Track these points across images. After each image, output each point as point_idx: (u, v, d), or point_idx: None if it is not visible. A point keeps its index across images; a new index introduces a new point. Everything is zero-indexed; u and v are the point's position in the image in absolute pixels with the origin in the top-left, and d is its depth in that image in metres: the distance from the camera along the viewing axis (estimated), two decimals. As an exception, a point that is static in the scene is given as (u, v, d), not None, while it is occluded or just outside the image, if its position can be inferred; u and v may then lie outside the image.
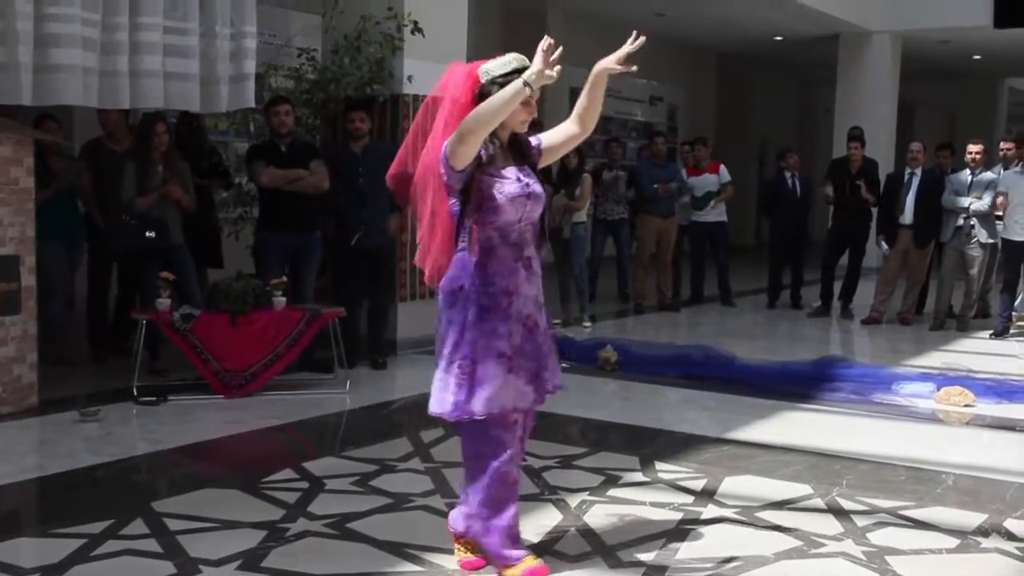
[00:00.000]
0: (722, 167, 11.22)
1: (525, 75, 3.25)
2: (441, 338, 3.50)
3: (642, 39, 3.37)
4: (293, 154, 6.98)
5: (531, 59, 3.35)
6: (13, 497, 4.48)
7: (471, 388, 3.40)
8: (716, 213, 11.16)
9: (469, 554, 3.67)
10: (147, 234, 6.68)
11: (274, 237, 7.02)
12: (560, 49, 3.26)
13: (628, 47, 3.43)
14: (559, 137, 3.68)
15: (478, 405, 3.41)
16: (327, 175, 6.99)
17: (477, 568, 3.64)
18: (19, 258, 5.77)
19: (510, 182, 3.45)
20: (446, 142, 3.37)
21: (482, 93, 3.42)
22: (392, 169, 3.67)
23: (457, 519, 3.68)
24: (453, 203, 3.47)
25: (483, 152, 3.40)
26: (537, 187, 3.53)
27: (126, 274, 7.32)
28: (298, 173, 6.91)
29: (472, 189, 3.41)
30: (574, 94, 13.58)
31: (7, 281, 5.70)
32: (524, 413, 3.58)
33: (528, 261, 3.51)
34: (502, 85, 3.37)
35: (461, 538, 3.69)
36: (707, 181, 11.10)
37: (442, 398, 3.45)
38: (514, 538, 3.57)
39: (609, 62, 3.47)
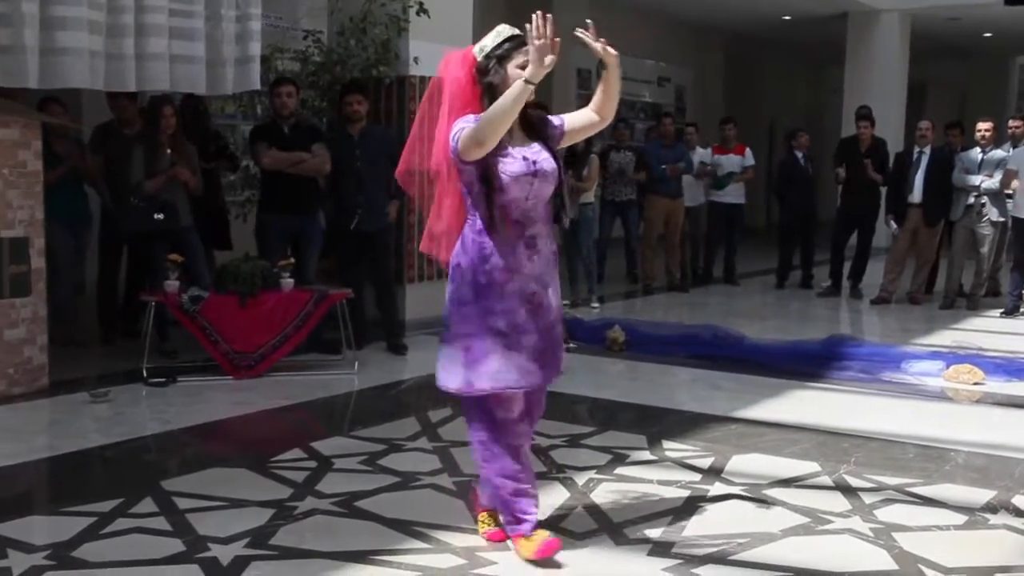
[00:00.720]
0: (748, 150, 11.28)
1: (526, 73, 3.24)
2: (445, 314, 3.54)
3: (591, 29, 3.44)
4: (296, 136, 6.98)
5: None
6: (25, 476, 4.52)
7: (472, 364, 3.43)
8: (735, 195, 11.18)
9: (494, 526, 3.71)
10: (156, 216, 6.71)
11: (275, 219, 7.04)
12: (552, 26, 3.25)
13: (594, 42, 3.44)
14: (581, 122, 3.65)
15: (481, 381, 3.43)
16: (329, 158, 6.99)
17: (501, 540, 3.67)
18: (28, 240, 5.79)
19: (515, 161, 3.44)
20: (457, 139, 3.35)
21: (479, 69, 3.44)
22: (402, 164, 3.65)
23: (481, 492, 3.74)
24: (462, 185, 3.48)
25: None
26: (547, 164, 3.49)
27: (135, 256, 7.34)
28: (300, 156, 6.91)
29: (483, 172, 3.41)
30: (581, 74, 13.74)
31: (17, 263, 5.73)
32: (533, 390, 3.58)
33: (532, 240, 3.49)
34: (498, 58, 3.40)
35: (485, 510, 3.74)
36: (732, 161, 11.15)
37: (450, 372, 3.48)
38: (529, 504, 3.58)
39: (600, 53, 3.47)
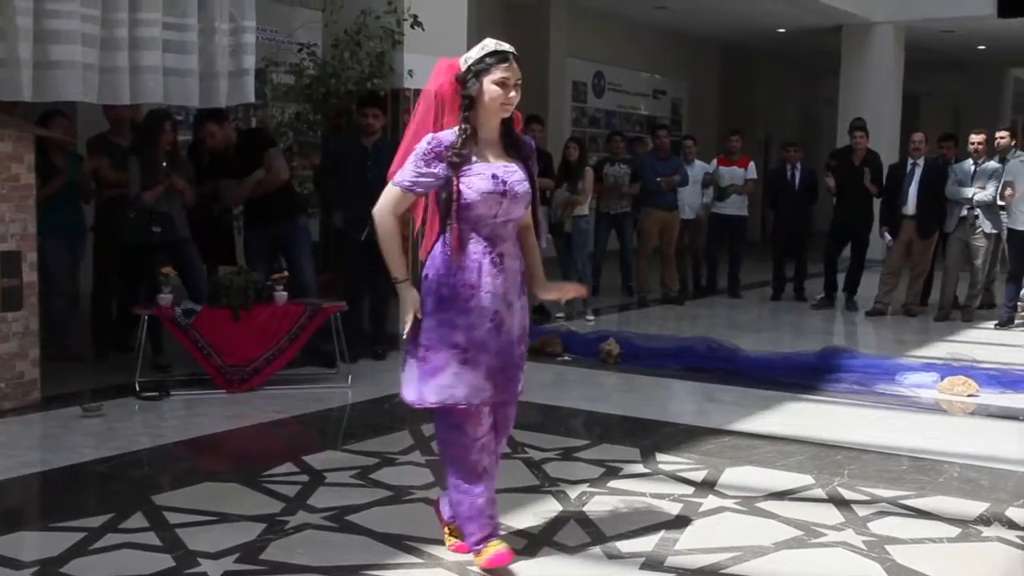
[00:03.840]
0: (751, 164, 11.28)
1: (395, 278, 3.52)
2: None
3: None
4: (245, 155, 7.03)
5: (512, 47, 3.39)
6: (15, 491, 4.49)
7: (426, 377, 3.44)
8: (736, 207, 11.20)
9: (457, 539, 3.70)
10: (153, 229, 6.70)
11: (257, 232, 7.15)
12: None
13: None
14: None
15: (430, 394, 3.44)
16: (283, 164, 7.08)
17: (467, 552, 3.65)
18: (20, 254, 5.78)
19: (482, 179, 3.42)
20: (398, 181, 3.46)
21: (459, 79, 3.45)
22: (394, 169, 3.60)
23: (444, 506, 3.74)
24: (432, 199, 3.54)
25: (453, 157, 3.40)
26: (519, 186, 3.47)
27: (129, 269, 7.33)
28: (255, 178, 6.95)
29: (447, 188, 3.44)
30: (576, 87, 13.79)
31: (8, 277, 5.71)
32: (496, 406, 3.56)
33: (500, 257, 3.48)
34: (476, 73, 3.43)
35: (449, 523, 3.73)
36: (735, 174, 11.16)
37: (408, 383, 3.51)
38: (483, 524, 3.55)
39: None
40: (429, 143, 3.42)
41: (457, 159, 3.40)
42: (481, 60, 3.43)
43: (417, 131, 3.55)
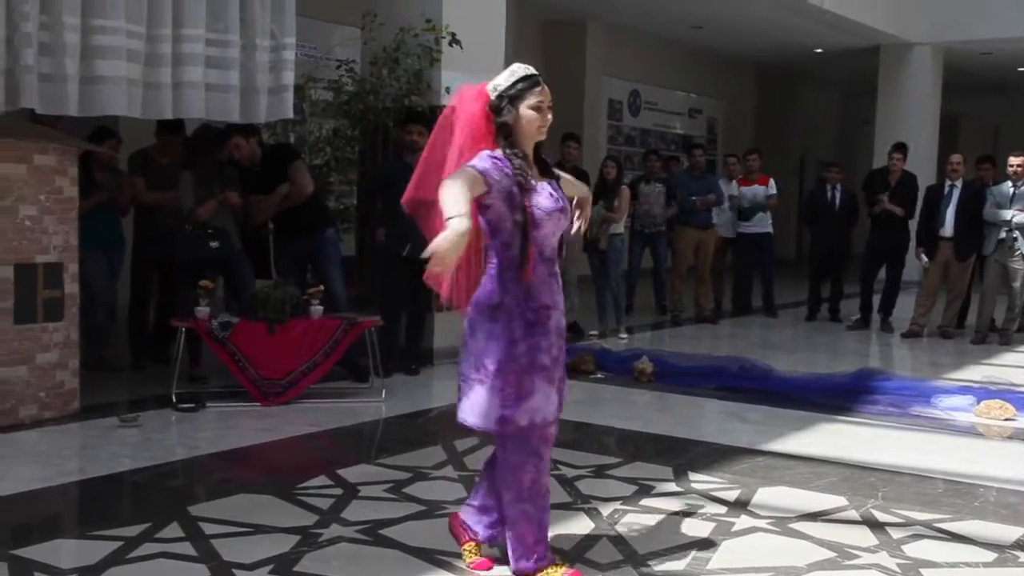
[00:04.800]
0: (771, 180, 11.28)
1: (447, 234, 3.03)
2: (476, 352, 3.47)
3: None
4: (270, 170, 7.07)
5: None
6: (54, 500, 4.55)
7: (517, 401, 3.43)
8: (761, 224, 11.18)
9: (477, 556, 3.71)
10: (211, 244, 6.77)
11: (286, 245, 7.21)
12: None
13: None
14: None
15: (523, 418, 3.44)
16: (309, 178, 7.11)
17: (487, 568, 3.67)
18: (63, 265, 5.87)
19: (544, 197, 3.47)
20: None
21: (492, 108, 3.46)
22: (409, 193, 3.59)
23: (475, 524, 3.70)
24: (482, 222, 3.44)
25: (520, 177, 3.40)
26: (564, 201, 3.56)
27: (167, 282, 7.42)
28: (280, 192, 6.99)
29: (519, 208, 3.41)
30: (612, 105, 13.82)
31: (51, 288, 5.80)
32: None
33: (557, 275, 3.57)
34: (510, 98, 3.44)
35: (472, 540, 3.71)
36: (756, 192, 11.14)
37: (485, 411, 3.44)
38: (547, 545, 3.60)
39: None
40: (494, 157, 3.41)
41: (525, 179, 3.42)
42: (513, 86, 3.44)
43: (428, 156, 3.54)
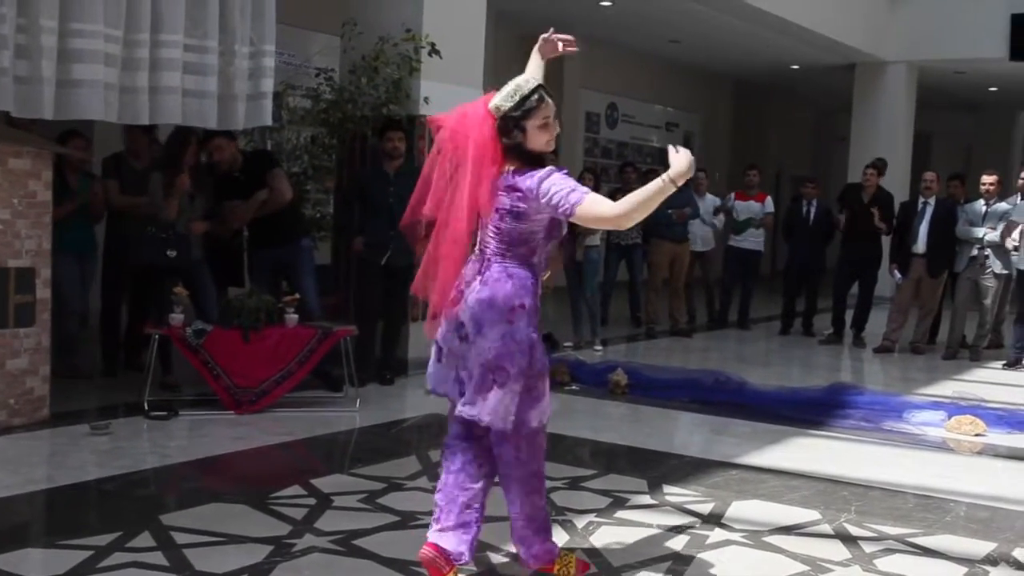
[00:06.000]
0: (768, 199, 11.35)
1: (669, 173, 3.29)
2: (485, 351, 3.46)
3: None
4: (250, 176, 7.06)
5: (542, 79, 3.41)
6: (22, 508, 4.50)
7: (532, 403, 3.51)
8: (753, 241, 11.26)
9: (572, 557, 3.77)
10: (168, 253, 6.68)
11: (260, 252, 7.19)
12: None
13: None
14: None
15: (536, 419, 3.55)
16: (288, 185, 7.12)
17: (587, 568, 3.81)
18: (35, 270, 5.81)
19: None
20: (572, 203, 3.35)
21: (500, 129, 3.48)
22: (410, 216, 3.63)
23: (458, 546, 3.57)
24: (518, 230, 3.49)
25: None
26: None
27: (138, 289, 7.36)
28: (259, 198, 6.98)
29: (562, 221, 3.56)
30: (589, 118, 13.91)
31: (22, 293, 5.74)
32: None
33: None
34: (516, 120, 3.45)
35: (452, 568, 3.56)
36: (751, 208, 11.21)
37: (503, 413, 3.49)
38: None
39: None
40: (561, 170, 3.50)
41: None
42: (518, 107, 3.46)
43: (428, 178, 3.57)
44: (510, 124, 3.46)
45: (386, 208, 7.10)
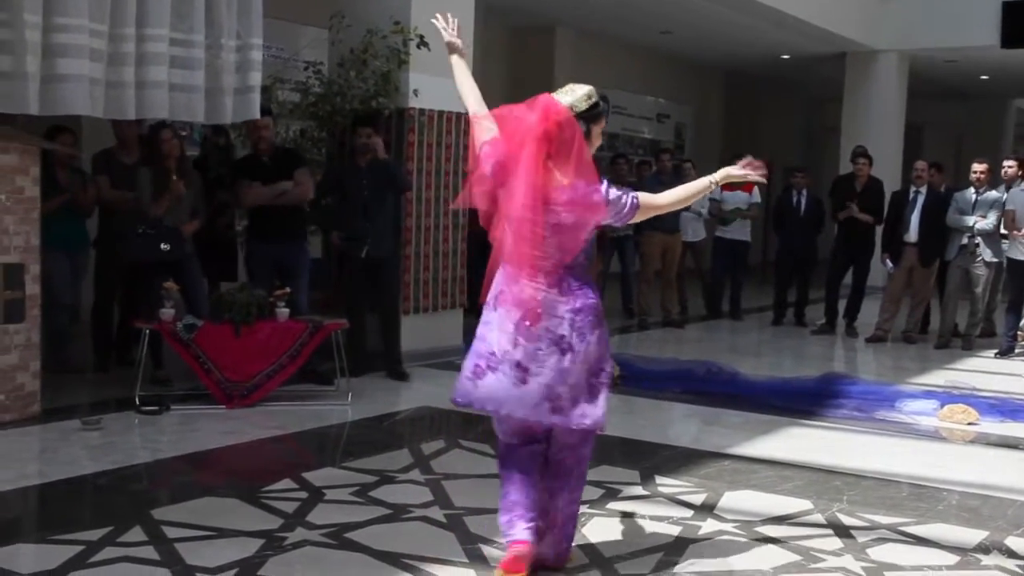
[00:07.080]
0: (755, 189, 11.28)
1: (717, 176, 3.96)
2: (595, 357, 3.59)
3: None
4: (278, 166, 7.09)
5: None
6: (14, 503, 4.49)
7: (605, 402, 3.65)
8: (740, 231, 11.25)
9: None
10: (162, 247, 6.68)
11: (262, 247, 7.15)
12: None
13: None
14: None
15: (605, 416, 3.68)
16: (311, 185, 7.18)
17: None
18: (24, 266, 5.79)
19: None
20: (633, 202, 3.69)
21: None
22: (464, 195, 3.75)
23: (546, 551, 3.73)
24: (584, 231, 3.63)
25: None
26: None
27: (130, 284, 7.33)
28: (281, 187, 7.01)
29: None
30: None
31: (11, 289, 5.72)
32: None
33: None
34: (587, 119, 3.62)
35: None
36: (738, 198, 11.19)
37: (601, 412, 3.61)
38: None
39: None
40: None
41: None
42: (591, 110, 3.65)
43: (467, 157, 3.77)
44: (581, 122, 3.60)
45: (360, 201, 7.15)
